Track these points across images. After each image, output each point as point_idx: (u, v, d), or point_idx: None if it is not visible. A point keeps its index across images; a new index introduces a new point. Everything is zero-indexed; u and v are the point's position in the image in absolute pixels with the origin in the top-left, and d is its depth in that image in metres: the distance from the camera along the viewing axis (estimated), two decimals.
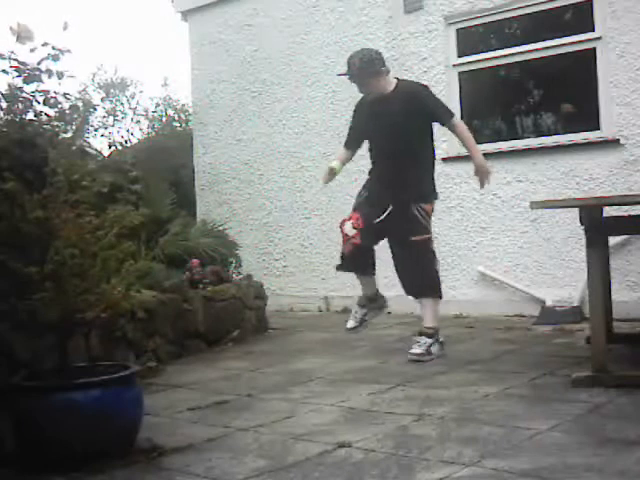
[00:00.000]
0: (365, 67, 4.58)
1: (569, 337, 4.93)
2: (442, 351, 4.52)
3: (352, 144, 4.85)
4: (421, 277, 4.55)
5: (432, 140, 4.68)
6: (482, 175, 4.59)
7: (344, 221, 4.59)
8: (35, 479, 2.61)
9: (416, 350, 4.43)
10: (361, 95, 4.78)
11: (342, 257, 4.69)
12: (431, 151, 4.69)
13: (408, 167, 4.56)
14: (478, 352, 4.58)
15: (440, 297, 4.61)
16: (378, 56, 4.65)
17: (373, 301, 4.84)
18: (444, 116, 4.64)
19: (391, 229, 4.55)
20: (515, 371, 3.93)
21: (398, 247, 4.60)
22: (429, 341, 4.47)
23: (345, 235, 4.57)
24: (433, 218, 4.50)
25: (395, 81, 4.70)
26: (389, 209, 4.52)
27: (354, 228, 4.53)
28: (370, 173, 4.79)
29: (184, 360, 4.82)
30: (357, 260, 4.63)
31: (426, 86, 4.83)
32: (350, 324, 4.84)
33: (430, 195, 4.64)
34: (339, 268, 4.79)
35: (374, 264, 4.72)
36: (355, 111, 4.85)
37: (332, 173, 4.77)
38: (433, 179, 4.68)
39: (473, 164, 4.59)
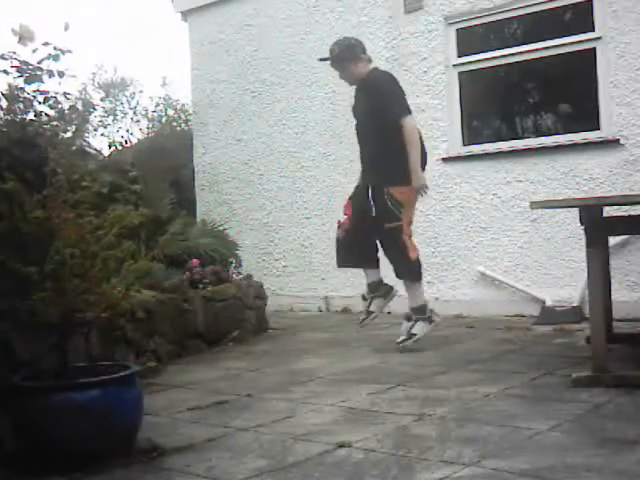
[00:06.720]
0: (343, 52, 4.73)
1: (569, 337, 4.93)
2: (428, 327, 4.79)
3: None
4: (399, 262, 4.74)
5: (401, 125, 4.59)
6: None
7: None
8: (35, 479, 2.61)
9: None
10: None
11: (337, 246, 4.93)
12: (399, 135, 4.60)
13: (377, 151, 4.70)
14: (478, 352, 4.58)
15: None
16: (357, 43, 4.83)
17: (375, 290, 4.94)
18: (395, 111, 4.60)
19: (372, 215, 4.68)
20: (515, 371, 3.93)
21: (379, 234, 4.75)
22: (408, 324, 4.76)
23: (338, 222, 4.92)
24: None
25: (370, 70, 4.79)
26: (369, 193, 4.69)
27: (345, 214, 4.87)
28: None
29: (184, 360, 4.82)
30: (350, 249, 4.84)
31: (390, 76, 4.83)
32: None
33: (398, 179, 4.61)
34: (340, 264, 5.02)
35: (372, 257, 4.87)
36: None
37: None
38: (401, 163, 4.61)
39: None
